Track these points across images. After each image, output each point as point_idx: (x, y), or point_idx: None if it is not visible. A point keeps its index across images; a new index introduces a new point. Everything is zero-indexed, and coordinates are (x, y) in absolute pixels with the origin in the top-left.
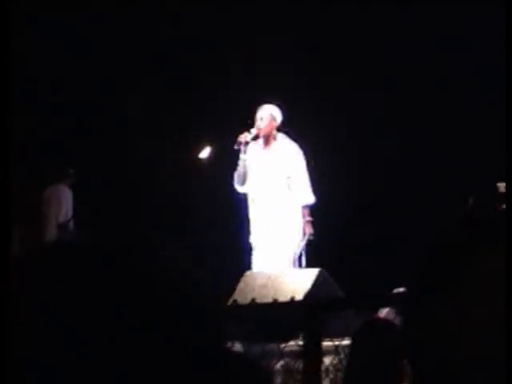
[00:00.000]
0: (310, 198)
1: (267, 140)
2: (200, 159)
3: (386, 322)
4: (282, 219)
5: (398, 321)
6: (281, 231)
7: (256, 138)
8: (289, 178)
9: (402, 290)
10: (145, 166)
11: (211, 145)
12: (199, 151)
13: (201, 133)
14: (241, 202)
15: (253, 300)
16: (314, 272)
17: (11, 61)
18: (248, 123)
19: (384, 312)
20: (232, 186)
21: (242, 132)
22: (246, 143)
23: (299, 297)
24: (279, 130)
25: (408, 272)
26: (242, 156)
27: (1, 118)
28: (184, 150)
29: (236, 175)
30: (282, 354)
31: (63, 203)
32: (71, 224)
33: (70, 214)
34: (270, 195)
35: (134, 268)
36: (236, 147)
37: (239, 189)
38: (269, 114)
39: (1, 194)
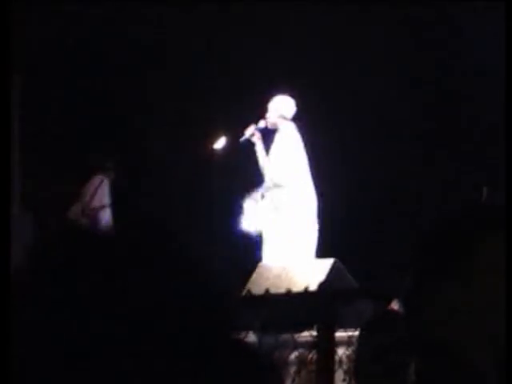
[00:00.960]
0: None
1: (274, 131)
2: (215, 149)
3: (397, 312)
4: (291, 209)
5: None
6: (291, 221)
7: (266, 129)
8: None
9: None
10: (160, 155)
11: (226, 135)
12: (214, 141)
13: (216, 123)
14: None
15: (267, 290)
16: (328, 263)
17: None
18: (259, 114)
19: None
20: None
21: (254, 123)
22: (253, 135)
23: (313, 287)
24: (293, 119)
25: (411, 258)
26: (256, 148)
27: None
28: (199, 140)
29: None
30: (295, 345)
31: (97, 194)
32: (104, 213)
33: (105, 203)
34: (277, 185)
35: (151, 256)
36: (242, 140)
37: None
38: (274, 107)
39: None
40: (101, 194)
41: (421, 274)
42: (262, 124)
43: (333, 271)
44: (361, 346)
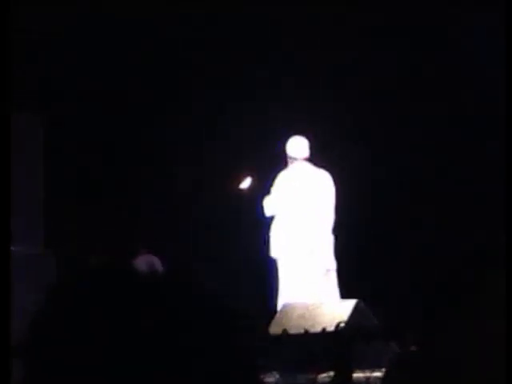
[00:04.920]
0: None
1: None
2: (241, 189)
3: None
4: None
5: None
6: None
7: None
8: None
9: None
10: (186, 193)
11: (252, 175)
12: (240, 181)
13: (241, 163)
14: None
15: (284, 330)
16: (351, 303)
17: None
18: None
19: None
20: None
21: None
22: None
23: (334, 328)
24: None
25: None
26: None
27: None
28: (225, 180)
29: None
30: None
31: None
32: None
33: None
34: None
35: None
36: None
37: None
38: (285, 148)
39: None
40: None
41: (432, 313)
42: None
43: (356, 312)
44: None
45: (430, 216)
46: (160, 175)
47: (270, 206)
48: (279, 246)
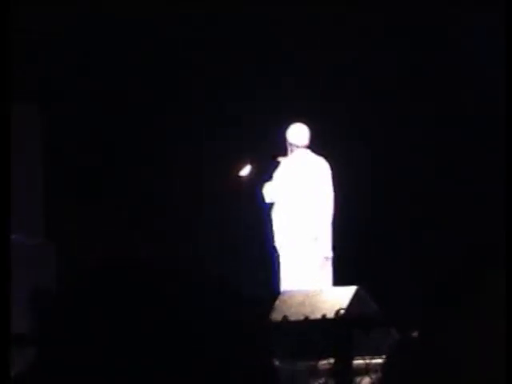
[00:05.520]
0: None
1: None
2: (240, 177)
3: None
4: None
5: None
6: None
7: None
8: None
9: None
10: (186, 182)
11: (252, 163)
12: (240, 169)
13: (241, 150)
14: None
15: (285, 317)
16: (351, 290)
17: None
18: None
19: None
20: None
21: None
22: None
23: (333, 315)
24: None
25: (426, 290)
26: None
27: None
28: (225, 167)
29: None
30: (312, 373)
31: None
32: None
33: None
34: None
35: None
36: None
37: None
38: (287, 137)
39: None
40: None
41: (432, 306)
42: (280, 158)
43: (356, 298)
44: (386, 374)
45: (430, 216)
46: (160, 165)
47: (270, 192)
48: (281, 233)
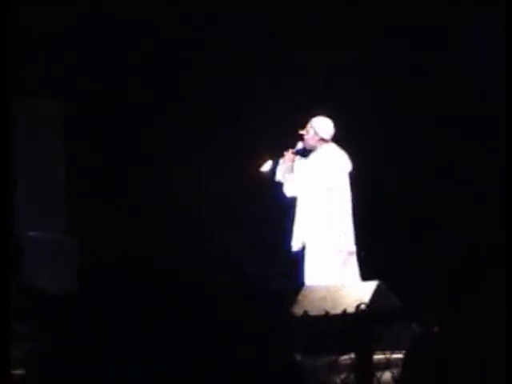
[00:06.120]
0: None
1: (310, 152)
2: (261, 172)
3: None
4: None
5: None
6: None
7: (304, 150)
8: (330, 190)
9: None
10: (207, 177)
11: (273, 158)
12: (261, 164)
13: (263, 146)
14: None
15: (305, 312)
16: (372, 285)
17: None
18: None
19: None
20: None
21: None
22: (293, 161)
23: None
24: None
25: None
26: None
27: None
28: (246, 163)
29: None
30: (333, 368)
31: None
32: None
33: None
34: (310, 205)
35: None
36: (281, 163)
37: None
38: (312, 129)
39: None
40: None
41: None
42: (299, 146)
43: (377, 293)
44: (407, 368)
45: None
46: (182, 162)
47: (291, 186)
48: (304, 228)
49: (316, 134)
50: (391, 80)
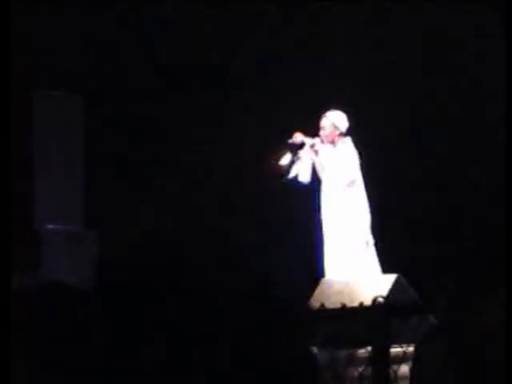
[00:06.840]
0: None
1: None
2: (280, 166)
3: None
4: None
5: None
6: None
7: (313, 146)
8: (353, 182)
9: None
10: (226, 171)
11: (291, 151)
12: (280, 157)
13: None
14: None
15: (322, 306)
16: (391, 278)
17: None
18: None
19: None
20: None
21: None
22: (301, 146)
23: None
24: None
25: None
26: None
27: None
28: (266, 156)
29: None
30: (351, 361)
31: None
32: None
33: None
34: (329, 199)
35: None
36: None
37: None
38: (330, 124)
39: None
40: None
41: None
42: (316, 141)
43: (395, 287)
44: (424, 361)
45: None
46: (202, 153)
47: (309, 179)
48: (324, 220)
49: (336, 128)
50: (392, 80)
